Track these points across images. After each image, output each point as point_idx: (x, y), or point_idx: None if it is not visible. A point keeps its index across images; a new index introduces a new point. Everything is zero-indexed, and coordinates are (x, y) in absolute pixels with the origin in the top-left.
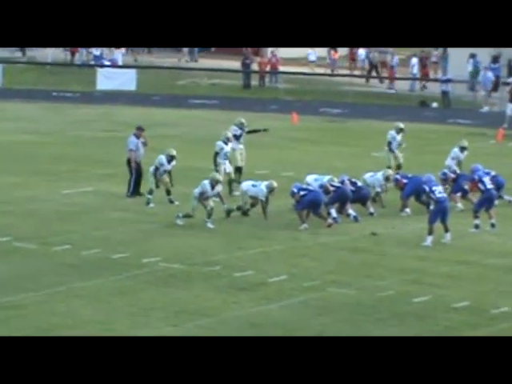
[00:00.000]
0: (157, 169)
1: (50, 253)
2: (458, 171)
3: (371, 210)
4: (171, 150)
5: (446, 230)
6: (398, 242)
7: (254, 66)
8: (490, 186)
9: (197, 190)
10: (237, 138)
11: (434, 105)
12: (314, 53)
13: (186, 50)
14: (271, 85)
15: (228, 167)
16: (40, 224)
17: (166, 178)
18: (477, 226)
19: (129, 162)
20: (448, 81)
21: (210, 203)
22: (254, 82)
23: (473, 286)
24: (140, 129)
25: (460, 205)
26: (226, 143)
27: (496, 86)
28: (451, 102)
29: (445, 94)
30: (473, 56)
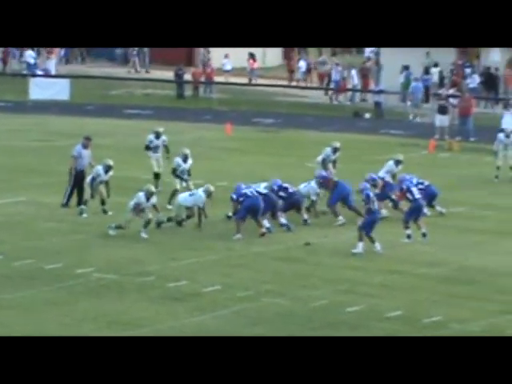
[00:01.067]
0: (94, 179)
1: None
2: (387, 179)
3: (305, 217)
4: (108, 160)
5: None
6: (332, 251)
7: (188, 76)
8: (418, 195)
9: (132, 202)
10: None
11: (367, 115)
12: (228, 62)
13: (136, 59)
14: (205, 95)
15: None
16: None
17: (102, 188)
18: (409, 236)
19: (70, 169)
20: (381, 92)
21: (148, 214)
22: (188, 92)
23: (406, 295)
24: (88, 138)
25: (384, 211)
26: (184, 161)
27: (427, 98)
28: (384, 112)
29: (378, 104)
30: (406, 68)
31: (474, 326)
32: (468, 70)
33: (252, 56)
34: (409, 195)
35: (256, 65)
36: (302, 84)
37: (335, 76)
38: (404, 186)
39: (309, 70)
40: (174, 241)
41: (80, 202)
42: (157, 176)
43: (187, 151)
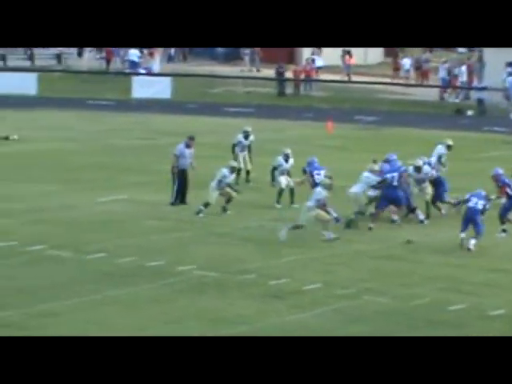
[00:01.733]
0: (220, 182)
1: (84, 261)
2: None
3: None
4: (232, 162)
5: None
6: (433, 249)
7: (289, 74)
8: None
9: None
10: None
11: (470, 113)
12: (319, 58)
13: (246, 58)
14: (306, 92)
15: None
16: (75, 232)
17: (227, 189)
18: (504, 231)
19: (173, 168)
20: (483, 89)
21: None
22: (289, 89)
23: (509, 294)
24: (191, 138)
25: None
26: (286, 160)
27: None
28: (487, 109)
29: (480, 101)
30: (510, 64)
31: None
32: None
33: (348, 52)
34: (508, 190)
35: (352, 61)
36: (408, 81)
37: (442, 73)
38: (506, 180)
39: (417, 68)
40: (274, 238)
41: (183, 199)
42: (239, 172)
43: (288, 151)
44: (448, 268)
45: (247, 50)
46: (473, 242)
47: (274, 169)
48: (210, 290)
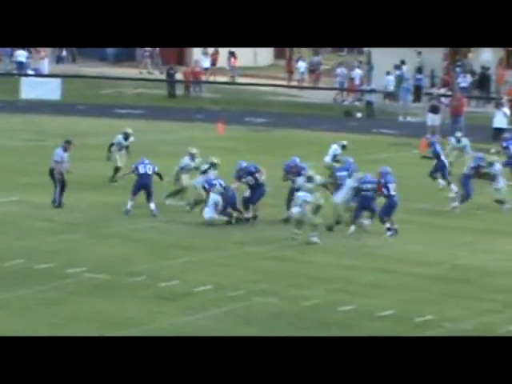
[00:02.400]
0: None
1: None
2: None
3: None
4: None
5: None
6: (322, 251)
7: (179, 76)
8: (393, 192)
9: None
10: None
11: (359, 115)
12: (206, 59)
13: (148, 60)
14: (196, 94)
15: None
16: None
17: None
18: (389, 229)
19: (51, 172)
20: (372, 91)
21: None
22: (179, 91)
23: (397, 294)
24: (68, 142)
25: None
26: (192, 159)
27: (419, 97)
28: (375, 112)
29: (369, 104)
30: (397, 67)
31: (466, 325)
32: (459, 69)
33: (232, 54)
34: (384, 190)
35: (236, 63)
36: (301, 84)
37: (339, 76)
38: (382, 180)
39: (312, 71)
40: (165, 240)
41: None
42: (117, 170)
43: (194, 150)
44: (337, 269)
45: (147, 52)
46: (367, 222)
47: (181, 168)
48: (101, 292)
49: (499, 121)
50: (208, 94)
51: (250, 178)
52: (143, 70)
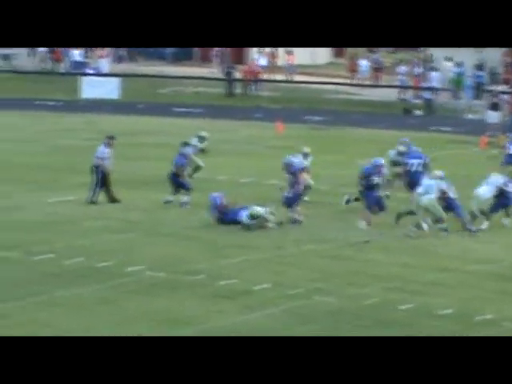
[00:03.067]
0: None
1: (32, 262)
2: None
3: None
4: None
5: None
6: (380, 249)
7: (237, 74)
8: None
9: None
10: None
11: (418, 112)
12: (261, 57)
13: (217, 60)
14: (255, 92)
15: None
16: (23, 233)
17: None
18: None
19: (94, 169)
20: (431, 88)
21: None
22: (238, 90)
23: (457, 293)
24: (111, 138)
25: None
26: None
27: (479, 94)
28: (435, 109)
29: (428, 101)
30: (458, 64)
31: None
32: None
33: (289, 52)
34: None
35: (294, 61)
36: (362, 82)
37: (401, 74)
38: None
39: (376, 69)
40: (223, 238)
41: (114, 198)
42: (198, 168)
43: (307, 149)
44: (396, 267)
45: (214, 52)
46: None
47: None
48: (160, 290)
49: None
50: (266, 92)
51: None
52: (214, 70)
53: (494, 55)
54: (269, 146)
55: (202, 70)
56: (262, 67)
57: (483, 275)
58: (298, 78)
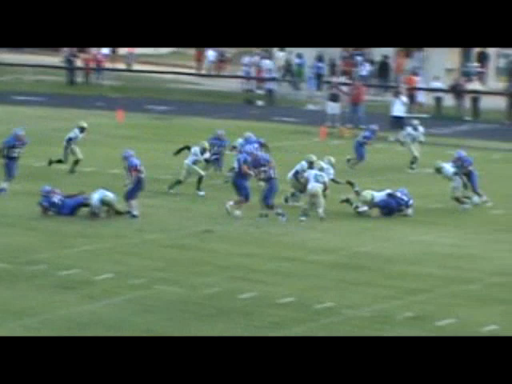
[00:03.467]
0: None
1: None
2: None
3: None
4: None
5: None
6: (223, 239)
7: (79, 63)
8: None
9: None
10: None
11: (260, 103)
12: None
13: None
14: (97, 81)
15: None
16: None
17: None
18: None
19: None
20: (273, 79)
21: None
22: (79, 78)
23: (298, 281)
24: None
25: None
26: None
27: (319, 85)
28: (276, 100)
29: (270, 92)
30: (299, 55)
31: (364, 312)
32: (359, 58)
33: None
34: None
35: (132, 50)
36: (209, 72)
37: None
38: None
39: (220, 60)
40: (65, 228)
41: None
42: (77, 162)
43: (206, 144)
44: (239, 257)
45: None
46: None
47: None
48: (0, 281)
49: (397, 109)
50: (108, 81)
51: None
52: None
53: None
54: (110, 135)
55: (43, 58)
56: (104, 56)
57: (323, 264)
58: (140, 67)
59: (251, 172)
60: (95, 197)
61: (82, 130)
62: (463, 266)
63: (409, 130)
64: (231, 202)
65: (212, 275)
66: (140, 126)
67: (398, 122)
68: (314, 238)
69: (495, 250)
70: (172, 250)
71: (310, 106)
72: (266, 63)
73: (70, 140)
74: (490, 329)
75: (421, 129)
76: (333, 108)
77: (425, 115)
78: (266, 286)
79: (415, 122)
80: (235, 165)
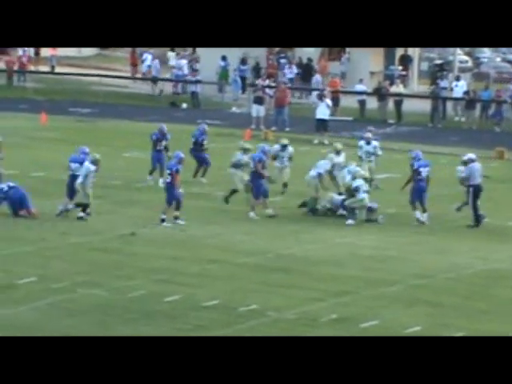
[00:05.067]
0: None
1: None
2: None
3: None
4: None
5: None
6: (148, 241)
7: (1, 65)
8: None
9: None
10: None
11: (184, 105)
12: (29, 48)
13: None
14: (19, 84)
15: None
16: None
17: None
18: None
19: None
20: (197, 82)
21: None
22: (1, 80)
23: (223, 284)
24: None
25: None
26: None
27: (244, 88)
28: (201, 102)
29: (194, 94)
30: (224, 58)
31: (289, 314)
32: (284, 61)
33: None
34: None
35: (56, 52)
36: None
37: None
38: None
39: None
40: None
41: None
42: None
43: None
44: (163, 260)
45: None
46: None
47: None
48: None
49: (322, 112)
50: (31, 83)
51: None
52: None
53: (257, 50)
54: (32, 138)
55: None
56: (27, 58)
57: (249, 267)
58: (63, 69)
59: (264, 172)
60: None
61: None
62: (386, 268)
63: (361, 143)
64: (251, 213)
65: (136, 278)
66: (64, 128)
67: (322, 125)
68: (239, 240)
69: (416, 252)
70: (95, 253)
71: (234, 109)
72: (183, 63)
73: None
74: (413, 330)
75: (375, 142)
76: (258, 111)
77: (348, 118)
78: (190, 288)
79: (368, 134)
80: (251, 165)
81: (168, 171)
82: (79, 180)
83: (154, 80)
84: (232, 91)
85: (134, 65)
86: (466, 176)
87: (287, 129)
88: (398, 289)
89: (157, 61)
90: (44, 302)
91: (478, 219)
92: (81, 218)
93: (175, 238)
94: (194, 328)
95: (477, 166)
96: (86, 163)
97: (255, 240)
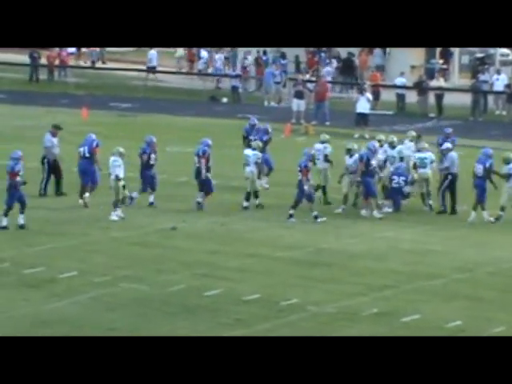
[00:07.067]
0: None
1: None
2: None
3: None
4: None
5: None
6: (188, 236)
7: (43, 60)
8: None
9: None
10: None
11: (224, 100)
12: None
13: None
14: (60, 79)
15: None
16: None
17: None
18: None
19: (43, 159)
20: (238, 76)
21: None
22: (43, 75)
23: (263, 278)
24: (56, 127)
25: None
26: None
27: (284, 82)
28: (241, 97)
29: (234, 89)
30: (264, 53)
31: (330, 308)
32: (323, 55)
33: None
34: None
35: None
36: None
37: (218, 62)
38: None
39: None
40: (30, 225)
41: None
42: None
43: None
44: (203, 254)
45: None
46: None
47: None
48: None
49: (362, 106)
50: (72, 78)
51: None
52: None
53: None
54: (74, 132)
55: (4, 56)
56: (69, 53)
57: (288, 261)
58: (104, 64)
59: (307, 177)
60: None
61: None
62: (426, 262)
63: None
64: (318, 220)
65: (176, 272)
66: (104, 123)
67: (363, 119)
68: (279, 234)
69: (457, 246)
70: (136, 248)
71: (272, 103)
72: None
73: None
74: (454, 324)
75: (430, 154)
76: (298, 105)
77: (389, 112)
78: (230, 283)
79: (424, 144)
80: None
81: (298, 168)
82: (112, 177)
83: (208, 75)
84: (267, 85)
85: (191, 61)
86: (447, 166)
87: (327, 123)
88: (439, 283)
89: (221, 55)
90: (85, 296)
91: (444, 208)
92: (131, 199)
93: (215, 232)
94: (234, 322)
95: (455, 155)
96: (112, 158)
97: (294, 234)
